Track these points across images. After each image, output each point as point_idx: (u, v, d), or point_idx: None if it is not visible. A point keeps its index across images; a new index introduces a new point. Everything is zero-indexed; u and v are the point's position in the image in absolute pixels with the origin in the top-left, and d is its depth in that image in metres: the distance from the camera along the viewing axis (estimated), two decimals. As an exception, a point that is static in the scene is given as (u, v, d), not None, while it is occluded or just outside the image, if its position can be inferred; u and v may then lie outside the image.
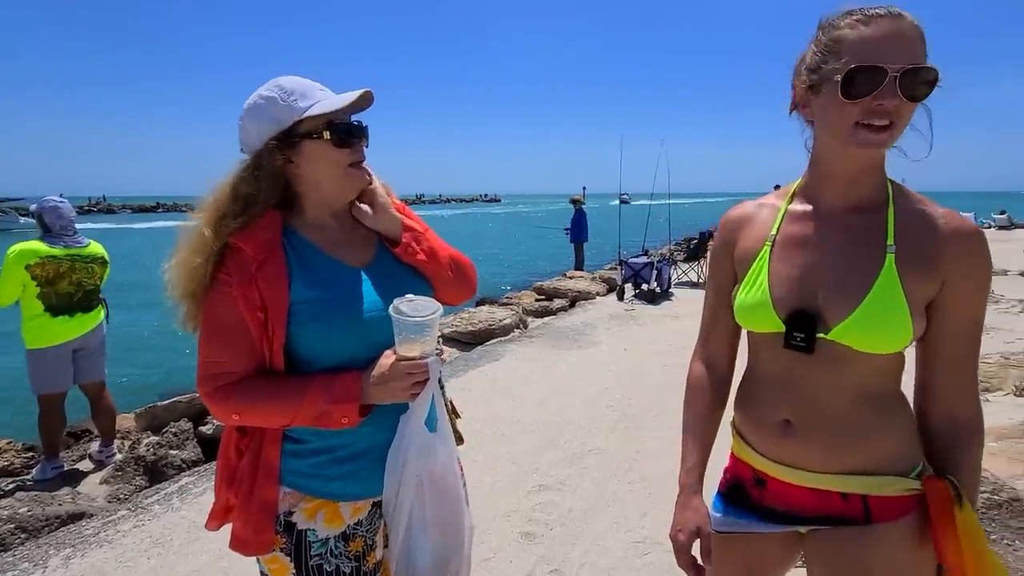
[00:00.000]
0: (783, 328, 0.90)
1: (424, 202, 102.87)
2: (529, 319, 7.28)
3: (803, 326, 0.87)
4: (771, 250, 0.95)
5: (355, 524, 1.06)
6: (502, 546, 2.45)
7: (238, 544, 1.02)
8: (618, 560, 2.34)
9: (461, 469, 1.14)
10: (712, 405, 1.08)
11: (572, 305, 8.12)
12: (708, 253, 9.45)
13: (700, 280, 9.20)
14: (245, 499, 1.01)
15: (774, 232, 0.95)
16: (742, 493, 1.04)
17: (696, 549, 0.99)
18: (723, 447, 1.09)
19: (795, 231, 0.94)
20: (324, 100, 0.99)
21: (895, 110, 0.78)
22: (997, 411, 3.35)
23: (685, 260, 9.60)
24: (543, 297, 8.49)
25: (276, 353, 0.98)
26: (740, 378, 1.07)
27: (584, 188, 12.62)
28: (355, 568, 1.05)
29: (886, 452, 0.89)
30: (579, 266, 10.89)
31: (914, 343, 0.88)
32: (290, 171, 1.01)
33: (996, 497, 2.35)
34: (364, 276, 1.06)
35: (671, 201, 10.40)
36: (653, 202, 9.77)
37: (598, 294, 8.66)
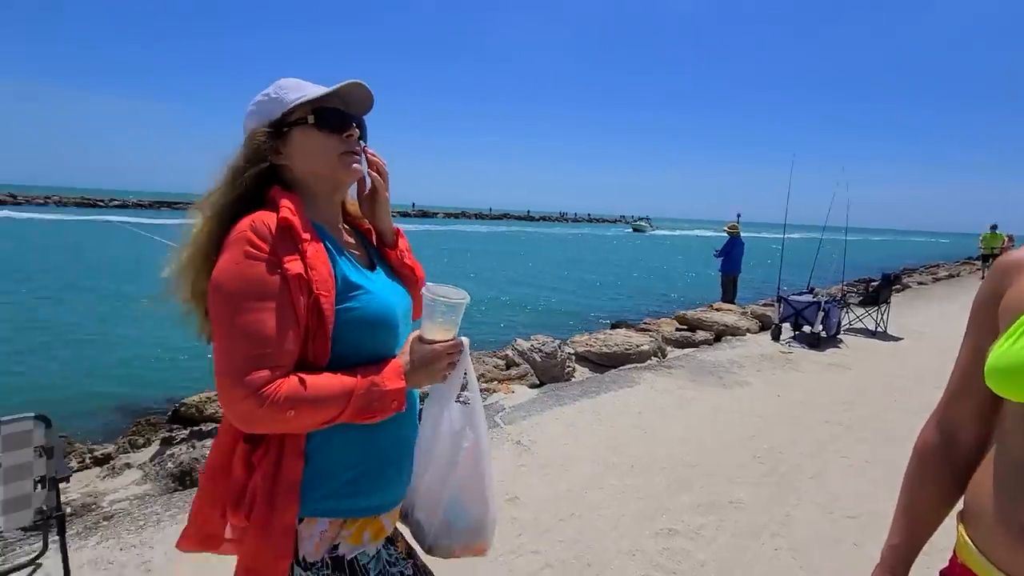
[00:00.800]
0: None
1: (567, 220, 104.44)
2: (668, 348, 6.89)
3: None
4: None
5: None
6: (624, 585, 2.30)
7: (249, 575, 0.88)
8: (758, 635, 2.05)
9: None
10: (938, 482, 0.88)
11: (717, 339, 7.51)
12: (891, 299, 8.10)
13: (879, 328, 7.91)
14: (263, 523, 0.86)
15: None
16: None
17: None
18: (947, 543, 0.87)
19: None
20: (313, 90, 0.97)
21: None
22: None
23: (860, 304, 8.32)
24: (685, 327, 7.98)
25: (323, 347, 0.89)
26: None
27: (739, 215, 11.58)
28: (413, 567, 1.04)
29: None
30: (728, 299, 10.03)
31: None
32: (278, 159, 0.97)
33: None
34: (379, 277, 1.04)
35: (847, 237, 9.13)
36: (824, 235, 8.68)
37: (748, 331, 7.89)
